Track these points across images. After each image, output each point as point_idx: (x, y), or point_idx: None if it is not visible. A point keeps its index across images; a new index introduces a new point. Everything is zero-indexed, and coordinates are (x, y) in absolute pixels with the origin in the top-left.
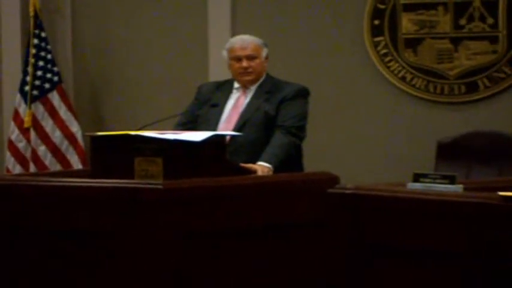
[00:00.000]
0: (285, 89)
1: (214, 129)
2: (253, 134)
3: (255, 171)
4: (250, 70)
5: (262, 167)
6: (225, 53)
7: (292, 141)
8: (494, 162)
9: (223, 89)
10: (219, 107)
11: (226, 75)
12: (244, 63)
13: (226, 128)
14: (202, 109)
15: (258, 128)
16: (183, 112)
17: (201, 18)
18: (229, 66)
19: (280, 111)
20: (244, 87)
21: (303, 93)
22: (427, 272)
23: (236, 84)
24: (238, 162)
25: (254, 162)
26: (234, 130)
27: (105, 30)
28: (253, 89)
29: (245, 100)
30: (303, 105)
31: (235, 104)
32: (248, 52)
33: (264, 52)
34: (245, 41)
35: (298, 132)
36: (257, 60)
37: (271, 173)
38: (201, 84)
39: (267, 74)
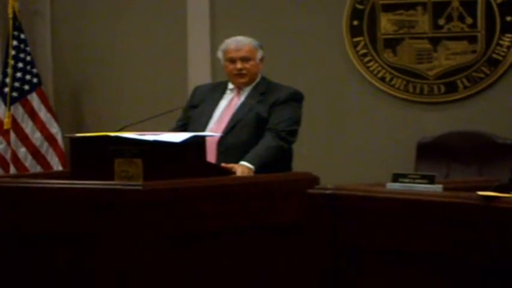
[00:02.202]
0: (279, 91)
1: (204, 129)
2: (244, 135)
3: (235, 172)
4: (244, 72)
5: (242, 167)
6: (220, 54)
7: (280, 145)
8: (474, 162)
9: (217, 90)
10: (210, 106)
11: (204, 75)
12: (238, 65)
13: (217, 128)
14: (195, 111)
15: (249, 129)
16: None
17: (180, 20)
18: (224, 68)
19: (272, 114)
20: (239, 88)
21: (296, 97)
22: (407, 272)
23: (230, 85)
24: (228, 162)
25: None
26: (225, 130)
27: (84, 32)
28: (247, 90)
29: (238, 101)
30: (295, 110)
31: (229, 104)
32: (242, 54)
33: (259, 54)
34: (240, 43)
35: (287, 136)
36: (251, 62)
37: (251, 173)
38: (197, 86)
39: (262, 77)
